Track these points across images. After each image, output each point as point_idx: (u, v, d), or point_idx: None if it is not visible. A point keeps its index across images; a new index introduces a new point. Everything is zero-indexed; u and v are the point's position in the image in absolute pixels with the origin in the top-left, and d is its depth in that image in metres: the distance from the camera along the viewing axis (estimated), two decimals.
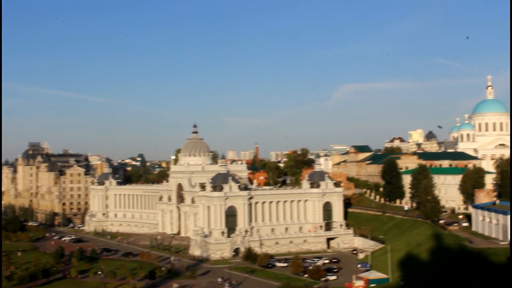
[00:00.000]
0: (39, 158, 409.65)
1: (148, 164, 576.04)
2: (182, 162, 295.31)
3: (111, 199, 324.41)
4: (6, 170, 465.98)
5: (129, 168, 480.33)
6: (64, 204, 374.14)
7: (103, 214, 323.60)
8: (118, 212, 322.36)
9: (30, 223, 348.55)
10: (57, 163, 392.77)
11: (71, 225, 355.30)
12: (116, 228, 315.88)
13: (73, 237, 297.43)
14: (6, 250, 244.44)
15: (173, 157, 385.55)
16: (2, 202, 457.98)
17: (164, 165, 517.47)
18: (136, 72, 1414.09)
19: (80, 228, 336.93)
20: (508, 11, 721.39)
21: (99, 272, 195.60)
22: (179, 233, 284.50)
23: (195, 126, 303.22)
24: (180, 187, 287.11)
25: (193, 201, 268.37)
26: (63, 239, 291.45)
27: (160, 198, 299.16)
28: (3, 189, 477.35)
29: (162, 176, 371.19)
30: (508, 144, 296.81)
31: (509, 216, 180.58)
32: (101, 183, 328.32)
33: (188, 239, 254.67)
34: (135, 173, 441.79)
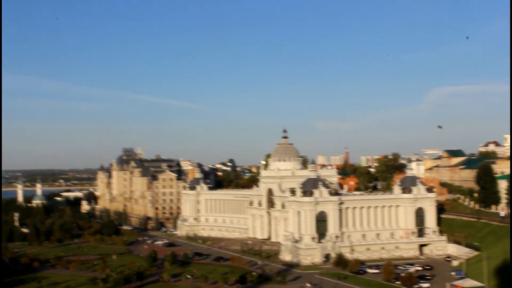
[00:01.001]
0: (132, 164, 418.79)
1: (238, 169, 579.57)
2: (272, 167, 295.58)
3: (202, 204, 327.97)
4: (101, 175, 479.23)
5: (220, 173, 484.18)
6: (156, 208, 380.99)
7: (195, 218, 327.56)
8: (209, 216, 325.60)
9: (124, 227, 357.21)
10: (150, 168, 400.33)
11: (164, 229, 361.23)
12: (207, 233, 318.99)
13: (165, 241, 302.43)
14: (102, 253, 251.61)
15: (263, 162, 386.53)
16: (98, 206, 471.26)
17: (254, 170, 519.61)
18: (227, 79, 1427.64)
19: (172, 232, 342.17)
20: None
21: (188, 276, 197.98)
22: (269, 238, 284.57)
23: (285, 131, 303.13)
24: (270, 192, 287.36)
25: (283, 206, 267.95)
26: (156, 243, 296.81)
27: (251, 203, 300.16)
28: (99, 193, 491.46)
29: (253, 181, 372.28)
30: None
31: None
32: (192, 188, 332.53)
33: (279, 244, 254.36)
34: (226, 178, 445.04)
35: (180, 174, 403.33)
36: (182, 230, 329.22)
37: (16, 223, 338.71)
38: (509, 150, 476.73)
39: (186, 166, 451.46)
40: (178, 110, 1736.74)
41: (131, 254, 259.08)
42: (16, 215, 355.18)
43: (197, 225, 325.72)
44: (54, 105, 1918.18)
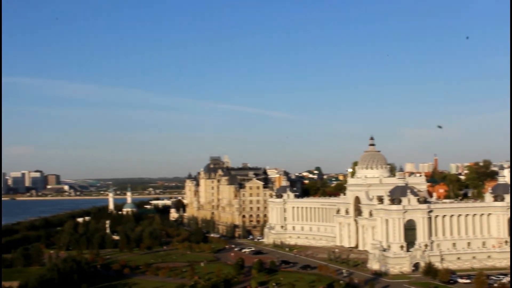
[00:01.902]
0: (220, 172, 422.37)
1: (325, 177, 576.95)
2: (359, 174, 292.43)
3: (289, 212, 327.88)
4: (189, 184, 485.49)
5: (306, 181, 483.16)
6: (243, 216, 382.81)
7: (282, 226, 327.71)
8: (296, 224, 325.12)
9: (212, 235, 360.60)
10: (237, 176, 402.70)
11: (251, 237, 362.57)
12: (294, 241, 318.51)
13: (252, 249, 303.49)
14: (190, 260, 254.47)
15: (350, 169, 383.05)
16: (186, 214, 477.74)
17: (341, 178, 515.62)
18: (313, 87, 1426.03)
19: (259, 240, 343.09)
20: None
21: (274, 284, 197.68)
22: (357, 246, 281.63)
23: (372, 138, 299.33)
24: (357, 200, 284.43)
25: (370, 214, 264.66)
26: (243, 250, 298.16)
27: (338, 211, 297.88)
28: (187, 201, 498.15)
29: (339, 189, 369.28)
30: None
31: None
32: (279, 196, 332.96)
33: (366, 253, 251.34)
34: (312, 186, 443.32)
35: (267, 182, 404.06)
36: (269, 238, 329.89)
37: (108, 231, 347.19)
38: None
39: (272, 174, 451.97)
40: (265, 119, 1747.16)
41: (219, 261, 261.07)
42: (108, 223, 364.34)
43: (284, 233, 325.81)
44: (141, 115, 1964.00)
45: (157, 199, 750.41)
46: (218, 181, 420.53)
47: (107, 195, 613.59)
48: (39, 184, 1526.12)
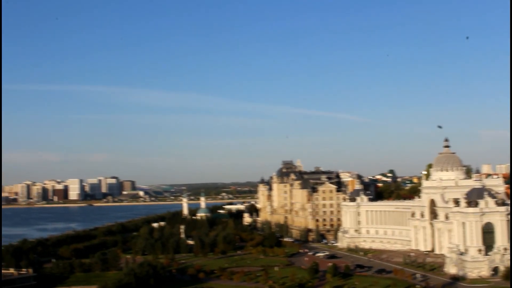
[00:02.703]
0: (292, 176, 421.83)
1: (399, 179, 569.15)
2: (434, 177, 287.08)
3: (363, 216, 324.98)
4: (262, 188, 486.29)
5: (380, 184, 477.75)
6: (317, 220, 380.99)
7: (355, 230, 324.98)
8: (370, 228, 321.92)
9: (285, 239, 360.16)
10: (310, 180, 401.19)
11: (324, 241, 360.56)
12: (368, 245, 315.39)
13: (326, 253, 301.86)
14: (264, 265, 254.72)
15: (425, 172, 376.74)
16: (260, 218, 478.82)
17: (415, 180, 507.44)
18: (385, 90, 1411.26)
19: (333, 244, 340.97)
20: None
21: None
22: (433, 250, 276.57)
23: (446, 139, 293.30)
24: (432, 203, 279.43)
25: (446, 217, 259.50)
26: (317, 255, 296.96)
27: (413, 214, 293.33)
28: (260, 206, 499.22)
29: (414, 192, 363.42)
30: None
31: None
32: (352, 199, 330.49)
33: (443, 257, 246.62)
34: (386, 189, 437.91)
35: (340, 185, 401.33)
36: (343, 242, 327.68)
37: (182, 235, 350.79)
38: None
39: (345, 177, 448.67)
40: (337, 122, 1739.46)
41: (293, 266, 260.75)
42: (182, 228, 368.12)
43: (358, 236, 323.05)
44: (213, 121, 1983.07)
45: (230, 203, 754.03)
46: (291, 185, 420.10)
47: (181, 200, 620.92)
48: (115, 190, 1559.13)
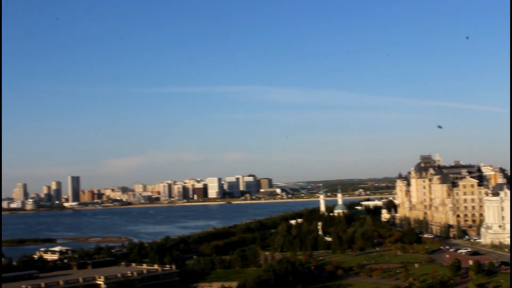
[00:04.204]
0: (431, 171, 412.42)
1: None
2: None
3: (507, 210, 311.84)
4: (400, 184, 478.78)
5: None
6: (458, 216, 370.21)
7: (499, 226, 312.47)
8: None
9: (425, 235, 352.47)
10: (449, 175, 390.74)
11: (466, 237, 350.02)
12: None
13: (469, 249, 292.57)
14: (404, 262, 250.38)
15: None
16: (398, 214, 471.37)
17: None
18: None
19: (476, 241, 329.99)
20: None
21: (493, 287, 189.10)
22: None
23: None
24: None
25: None
26: (459, 251, 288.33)
27: None
28: (398, 201, 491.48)
29: None
30: None
31: None
32: (495, 194, 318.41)
33: None
34: None
35: (482, 179, 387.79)
36: (486, 238, 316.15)
37: (320, 232, 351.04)
38: None
39: (487, 171, 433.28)
40: (477, 114, 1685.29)
41: (434, 262, 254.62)
42: (320, 224, 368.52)
43: (502, 232, 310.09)
44: (346, 116, 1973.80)
45: (368, 200, 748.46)
46: (430, 180, 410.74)
47: (318, 197, 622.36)
48: (253, 188, 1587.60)
